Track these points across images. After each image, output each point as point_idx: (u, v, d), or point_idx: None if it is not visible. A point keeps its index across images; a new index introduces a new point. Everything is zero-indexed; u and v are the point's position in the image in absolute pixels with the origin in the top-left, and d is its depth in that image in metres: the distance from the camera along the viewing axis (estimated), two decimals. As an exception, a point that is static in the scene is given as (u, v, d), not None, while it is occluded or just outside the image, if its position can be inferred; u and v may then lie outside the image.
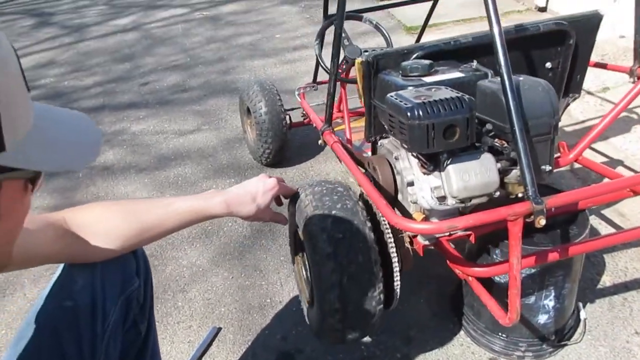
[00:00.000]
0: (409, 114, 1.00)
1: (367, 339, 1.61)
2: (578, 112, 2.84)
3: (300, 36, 4.61)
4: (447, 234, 1.26)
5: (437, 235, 1.27)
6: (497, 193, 1.10)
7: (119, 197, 2.57)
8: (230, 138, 3.03)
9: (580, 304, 1.58)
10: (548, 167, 1.09)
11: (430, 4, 2.57)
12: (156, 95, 3.74)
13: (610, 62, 3.36)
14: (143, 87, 3.93)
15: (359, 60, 1.34)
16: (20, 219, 0.60)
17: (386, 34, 2.21)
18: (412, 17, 4.50)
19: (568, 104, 1.65)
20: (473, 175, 1.06)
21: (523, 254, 1.25)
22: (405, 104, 1.02)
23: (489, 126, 1.10)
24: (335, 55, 1.53)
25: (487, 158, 1.08)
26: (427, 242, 1.26)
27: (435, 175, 1.10)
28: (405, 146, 1.06)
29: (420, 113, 0.99)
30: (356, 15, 2.26)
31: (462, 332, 1.62)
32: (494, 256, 1.39)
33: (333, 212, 1.14)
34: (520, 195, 1.16)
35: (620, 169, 2.31)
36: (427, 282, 1.82)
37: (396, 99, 1.07)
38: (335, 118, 2.52)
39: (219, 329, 1.74)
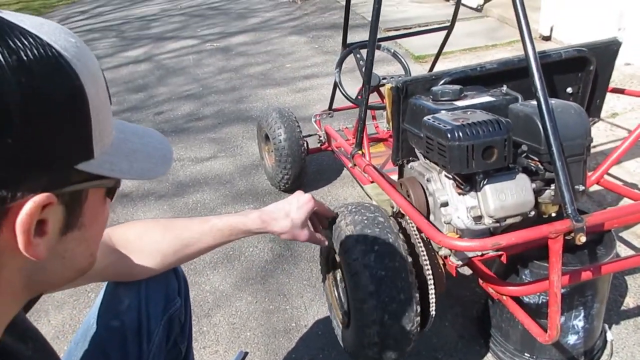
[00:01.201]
0: (449, 135, 1.04)
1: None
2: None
3: (311, 65, 4.70)
4: (480, 254, 1.29)
5: (470, 255, 1.29)
6: (532, 213, 1.13)
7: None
8: (246, 165, 3.07)
9: (607, 326, 1.59)
10: (582, 187, 1.13)
11: (440, 33, 2.64)
12: (171, 124, 3.81)
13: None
14: (158, 116, 4.00)
15: (388, 86, 1.39)
16: (102, 229, 0.63)
17: (404, 62, 2.28)
18: (419, 47, 4.60)
19: (588, 128, 1.69)
20: (509, 195, 1.09)
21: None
22: (445, 126, 1.06)
23: (524, 147, 1.14)
24: (367, 82, 1.58)
25: (523, 178, 1.11)
26: (460, 263, 1.28)
27: (472, 195, 1.13)
28: (445, 167, 1.09)
29: (460, 135, 1.03)
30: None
31: (489, 355, 1.63)
32: (523, 277, 1.41)
33: (375, 247, 1.16)
34: (553, 214, 1.19)
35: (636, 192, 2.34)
36: (452, 305, 1.83)
37: (434, 121, 1.11)
38: (352, 144, 2.57)
39: (246, 353, 1.74)
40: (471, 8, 5.65)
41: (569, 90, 1.55)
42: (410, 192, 1.29)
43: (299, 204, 1.13)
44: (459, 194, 1.15)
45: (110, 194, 0.60)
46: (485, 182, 1.10)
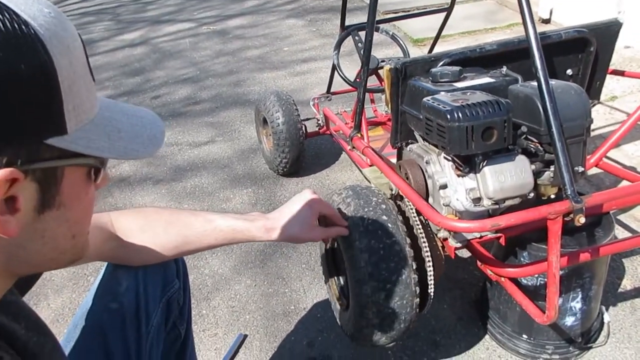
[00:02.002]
0: (448, 116, 1.03)
1: (394, 344, 1.63)
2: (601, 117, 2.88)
3: (308, 49, 4.66)
4: (479, 235, 1.29)
5: (469, 237, 1.29)
6: (532, 194, 1.13)
7: (138, 207, 2.59)
8: (244, 148, 3.06)
9: (604, 307, 1.60)
10: (581, 169, 1.12)
11: (439, 16, 2.61)
12: (168, 108, 3.78)
13: (616, 71, 3.41)
14: (155, 100, 3.97)
15: (387, 67, 1.37)
16: (87, 210, 0.61)
17: (403, 44, 2.26)
18: (418, 30, 4.56)
19: (588, 110, 1.68)
20: (509, 176, 1.08)
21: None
22: (445, 107, 1.05)
23: (523, 129, 1.13)
24: (365, 63, 1.57)
25: (522, 160, 1.11)
26: (458, 245, 1.28)
27: (471, 177, 1.13)
28: (445, 148, 1.08)
29: (460, 115, 1.02)
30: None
31: (487, 336, 1.64)
32: (522, 259, 1.41)
33: (374, 229, 1.15)
34: (552, 196, 1.18)
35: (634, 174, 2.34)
36: (450, 288, 1.84)
37: (434, 102, 1.10)
38: (351, 127, 2.56)
39: (245, 335, 1.75)
40: (470, -10, 5.58)
41: (569, 72, 1.54)
42: (409, 175, 1.29)
43: (304, 205, 1.07)
44: (458, 175, 1.15)
45: (95, 174, 0.58)
46: (484, 164, 1.09)
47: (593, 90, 1.63)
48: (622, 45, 3.65)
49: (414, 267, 1.17)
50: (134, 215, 1.04)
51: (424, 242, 1.22)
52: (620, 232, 2.03)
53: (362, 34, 2.37)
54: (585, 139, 1.11)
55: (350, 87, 2.39)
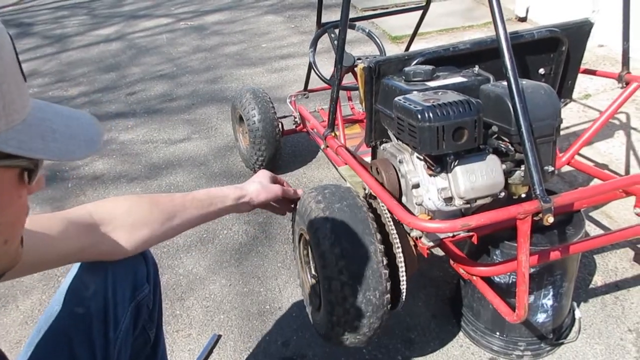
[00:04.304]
0: (419, 116, 1.03)
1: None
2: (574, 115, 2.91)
3: (287, 45, 4.64)
4: (451, 235, 1.29)
5: (441, 237, 1.29)
6: (502, 194, 1.13)
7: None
8: (221, 146, 3.03)
9: (575, 304, 1.63)
10: (551, 168, 1.13)
11: (417, 13, 2.62)
12: (144, 105, 3.73)
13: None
14: (130, 96, 3.91)
15: (361, 66, 1.37)
16: (18, 214, 0.59)
17: (379, 42, 2.26)
18: (395, 27, 4.57)
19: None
20: (479, 176, 1.09)
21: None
22: (416, 107, 1.05)
23: (494, 128, 1.13)
24: (338, 61, 1.56)
25: (493, 159, 1.11)
26: (431, 244, 1.28)
27: (442, 176, 1.13)
28: (416, 148, 1.08)
29: (431, 115, 1.02)
30: (349, 23, 2.29)
31: (461, 334, 1.65)
32: (494, 257, 1.42)
33: (344, 227, 1.16)
34: (523, 195, 1.19)
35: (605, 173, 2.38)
36: (425, 285, 1.85)
37: (405, 102, 1.09)
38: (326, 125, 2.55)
39: (219, 336, 1.73)
40: (448, -12, 5.60)
41: (541, 71, 1.55)
42: (382, 174, 1.28)
43: (262, 174, 1.25)
44: (430, 175, 1.15)
45: (28, 176, 0.56)
46: (455, 164, 1.09)
47: (565, 89, 1.64)
48: (596, 44, 3.71)
49: (385, 265, 1.16)
50: (116, 201, 1.02)
51: (396, 241, 1.22)
52: (592, 230, 2.06)
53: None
54: (555, 138, 1.12)
55: (327, 85, 2.38)
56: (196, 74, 4.23)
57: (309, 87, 2.76)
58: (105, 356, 0.98)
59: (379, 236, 1.17)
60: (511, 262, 1.17)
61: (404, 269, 1.20)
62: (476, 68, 1.32)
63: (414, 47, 4.23)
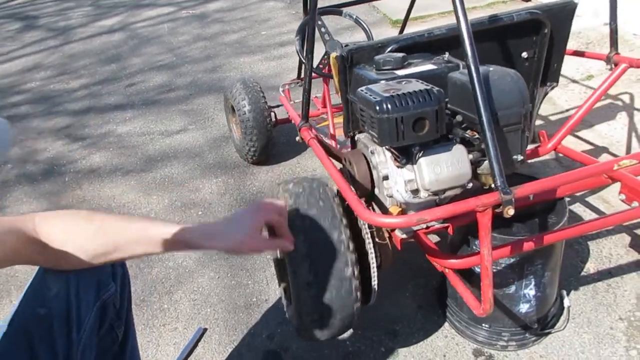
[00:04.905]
0: (377, 107, 1.00)
1: (352, 334, 1.62)
2: (563, 100, 2.84)
3: (287, 32, 4.59)
4: (425, 226, 1.26)
5: (415, 228, 1.27)
6: (470, 184, 1.10)
7: (105, 199, 2.56)
8: (216, 137, 3.02)
9: (564, 292, 1.59)
10: (520, 157, 1.09)
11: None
12: (142, 96, 3.73)
13: (594, 49, 3.36)
14: (129, 88, 3.91)
15: (333, 55, 1.33)
16: None
17: (367, 28, 2.21)
18: (397, 10, 4.48)
19: (547, 93, 1.64)
20: (445, 167, 1.05)
21: (498, 243, 1.26)
22: (375, 98, 1.02)
23: (459, 117, 1.09)
24: (309, 50, 1.52)
25: (459, 149, 1.08)
26: (404, 236, 1.26)
27: (408, 168, 1.10)
28: (376, 140, 1.05)
29: (389, 107, 0.99)
30: (335, 10, 2.25)
31: (447, 325, 1.63)
32: (474, 247, 1.39)
33: (312, 221, 1.12)
34: (492, 186, 1.15)
35: (605, 156, 2.32)
36: (413, 276, 1.82)
37: (366, 93, 1.06)
38: (321, 114, 2.52)
39: (205, 329, 1.74)
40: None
41: (524, 54, 1.50)
42: (354, 165, 1.26)
43: (248, 214, 1.00)
44: (397, 166, 1.12)
45: None
46: (420, 155, 1.06)
47: (551, 73, 1.59)
48: (602, 22, 3.60)
49: (354, 260, 1.14)
50: (60, 218, 0.98)
51: (367, 235, 1.19)
52: (587, 215, 2.01)
53: (327, 18, 2.33)
54: (524, 127, 1.08)
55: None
56: (196, 63, 4.22)
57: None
58: (68, 356, 0.98)
59: (348, 232, 1.15)
60: (477, 254, 1.14)
61: (375, 265, 1.18)
62: (446, 55, 1.28)
63: (414, 29, 4.18)
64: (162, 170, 2.77)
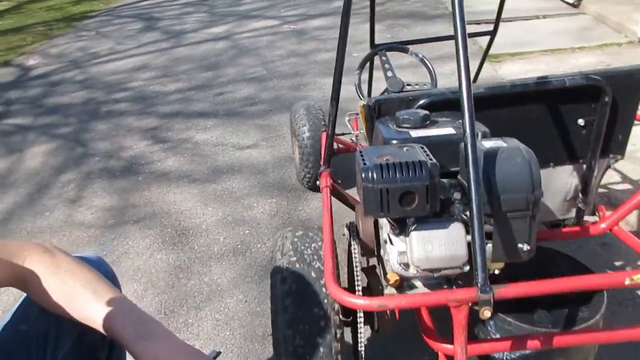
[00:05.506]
0: (363, 174, 0.94)
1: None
2: (629, 169, 2.50)
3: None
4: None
5: (416, 299, 1.18)
6: (467, 267, 0.99)
7: (167, 204, 2.69)
8: (282, 157, 3.06)
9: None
10: (526, 247, 0.96)
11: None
12: (227, 106, 3.88)
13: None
14: (217, 97, 4.09)
15: (361, 103, 1.28)
16: None
17: (432, 70, 2.12)
18: (495, 44, 4.27)
19: (609, 166, 1.47)
20: (437, 245, 0.96)
21: (513, 331, 1.14)
22: (364, 164, 0.96)
23: (456, 195, 0.99)
24: (334, 97, 1.48)
25: (457, 228, 0.98)
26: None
27: (402, 239, 1.02)
28: (364, 208, 0.99)
29: (375, 176, 0.92)
30: (401, 47, 2.19)
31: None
32: (489, 327, 1.26)
33: (297, 274, 1.09)
34: (496, 272, 1.04)
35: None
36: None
37: (361, 155, 1.00)
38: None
39: (219, 353, 1.73)
40: (567, 2, 5.13)
41: (581, 122, 1.35)
42: (360, 221, 1.20)
43: None
44: (392, 235, 1.04)
45: None
46: (412, 228, 0.98)
47: (614, 144, 1.42)
48: None
49: (337, 322, 1.08)
50: (45, 269, 0.92)
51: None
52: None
53: (391, 54, 2.27)
54: (533, 213, 0.95)
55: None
56: (283, 79, 4.32)
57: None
58: None
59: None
60: (476, 343, 1.03)
61: (361, 329, 1.11)
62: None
63: (512, 67, 3.95)
64: (224, 182, 2.85)
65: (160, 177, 2.99)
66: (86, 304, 0.89)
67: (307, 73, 4.38)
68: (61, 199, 2.88)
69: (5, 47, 6.42)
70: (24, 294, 1.04)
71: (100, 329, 0.86)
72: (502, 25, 2.60)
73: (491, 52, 4.22)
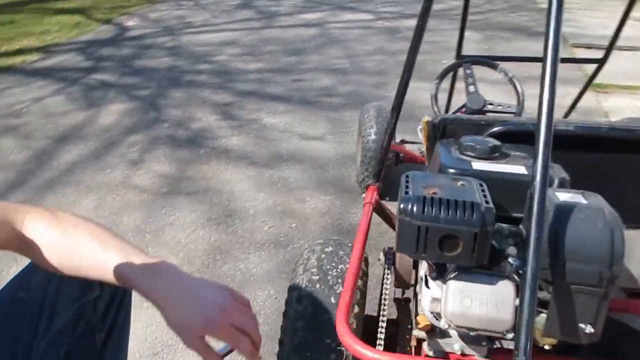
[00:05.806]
0: (402, 205, 0.80)
1: None
2: None
3: (468, 66, 4.31)
4: (458, 351, 1.02)
5: (447, 350, 1.03)
6: (510, 335, 0.84)
7: (221, 183, 2.66)
8: (346, 154, 2.94)
9: None
10: (590, 329, 0.78)
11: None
12: (302, 94, 3.81)
13: None
14: (295, 83, 4.04)
15: (425, 119, 1.15)
16: None
17: (520, 91, 1.91)
18: (606, 73, 3.90)
19: None
20: (477, 303, 0.81)
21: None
22: (406, 192, 0.82)
23: (511, 250, 0.83)
24: (396, 109, 1.33)
25: (505, 288, 0.82)
26: (431, 353, 1.03)
27: (438, 284, 0.88)
28: (394, 243, 0.85)
29: (415, 210, 0.78)
30: (489, 62, 1.99)
31: None
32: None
33: (313, 294, 0.98)
34: (546, 347, 0.87)
35: None
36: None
37: (406, 181, 0.87)
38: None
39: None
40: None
41: None
42: (397, 254, 1.07)
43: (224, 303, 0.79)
44: (429, 277, 0.90)
45: None
46: (452, 276, 0.84)
47: None
48: None
49: None
50: (45, 225, 0.91)
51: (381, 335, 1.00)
52: None
53: (477, 68, 2.08)
54: (606, 292, 0.77)
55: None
56: (365, 74, 4.19)
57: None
58: (31, 345, 0.99)
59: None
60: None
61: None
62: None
63: (619, 100, 3.59)
64: (282, 170, 2.79)
65: (221, 154, 2.97)
66: (91, 251, 0.86)
67: (391, 73, 4.22)
68: (124, 159, 2.93)
69: (110, 5, 6.73)
70: (28, 262, 1.01)
71: (106, 275, 0.84)
72: (616, 53, 2.33)
73: (599, 81, 3.88)
